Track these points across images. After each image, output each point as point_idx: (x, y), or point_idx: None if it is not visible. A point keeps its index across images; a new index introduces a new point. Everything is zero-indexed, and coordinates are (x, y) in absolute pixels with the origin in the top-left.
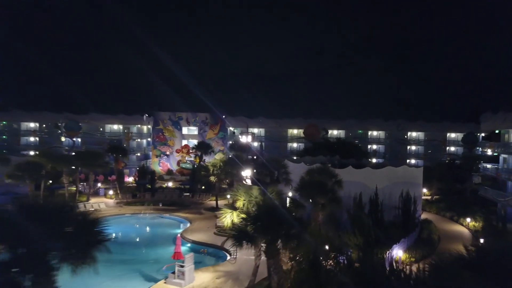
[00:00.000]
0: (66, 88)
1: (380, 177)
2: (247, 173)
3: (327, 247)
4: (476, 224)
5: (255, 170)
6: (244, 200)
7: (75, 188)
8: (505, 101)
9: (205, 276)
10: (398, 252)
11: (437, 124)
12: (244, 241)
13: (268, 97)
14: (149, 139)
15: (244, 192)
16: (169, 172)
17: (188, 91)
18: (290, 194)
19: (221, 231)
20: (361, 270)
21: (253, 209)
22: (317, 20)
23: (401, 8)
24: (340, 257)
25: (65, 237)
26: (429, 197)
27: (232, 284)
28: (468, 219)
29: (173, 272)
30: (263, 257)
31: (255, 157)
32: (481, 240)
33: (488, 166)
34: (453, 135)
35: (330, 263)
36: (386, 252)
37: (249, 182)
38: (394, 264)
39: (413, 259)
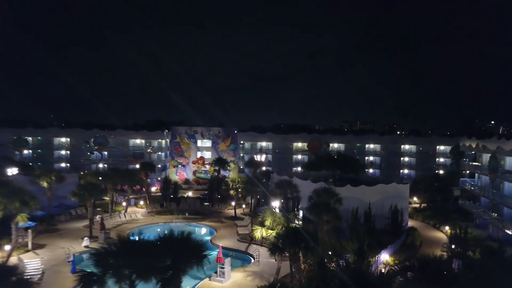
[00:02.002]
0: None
1: (374, 193)
2: (276, 204)
3: (330, 252)
4: (453, 232)
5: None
6: (270, 220)
7: (109, 198)
8: (497, 106)
9: (238, 275)
10: (385, 256)
11: (427, 139)
12: (276, 252)
13: (269, 99)
14: (167, 152)
15: (270, 214)
16: (186, 181)
17: (201, 102)
18: (299, 205)
19: (243, 238)
20: (355, 270)
21: (278, 226)
22: (309, 28)
23: (396, 13)
24: (340, 260)
25: (188, 252)
26: (417, 205)
27: (259, 281)
28: (447, 227)
29: (216, 272)
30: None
31: (265, 168)
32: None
33: (467, 180)
34: (442, 147)
35: (333, 265)
36: (376, 256)
37: (277, 209)
38: (381, 266)
39: (397, 261)
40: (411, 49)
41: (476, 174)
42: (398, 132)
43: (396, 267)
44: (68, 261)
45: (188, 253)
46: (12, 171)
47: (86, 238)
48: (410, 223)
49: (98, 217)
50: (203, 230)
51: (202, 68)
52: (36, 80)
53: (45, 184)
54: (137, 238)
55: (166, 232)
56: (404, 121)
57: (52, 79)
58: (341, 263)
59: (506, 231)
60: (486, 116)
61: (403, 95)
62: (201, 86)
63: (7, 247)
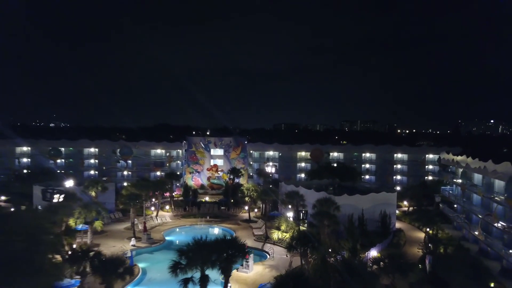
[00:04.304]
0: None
1: (366, 200)
2: (290, 214)
3: (330, 250)
4: (429, 232)
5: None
6: (284, 225)
7: (144, 204)
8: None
9: (258, 267)
10: (374, 253)
11: (418, 148)
12: (291, 249)
13: (269, 98)
14: (184, 160)
15: (284, 220)
16: (202, 186)
17: (202, 102)
18: (303, 210)
19: (258, 238)
20: (349, 264)
21: (290, 231)
22: (310, 26)
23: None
24: (338, 256)
25: (236, 249)
26: (406, 209)
27: (275, 272)
28: (428, 229)
29: (242, 265)
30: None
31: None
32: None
33: (447, 189)
34: (431, 156)
35: (332, 260)
36: (366, 253)
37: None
38: (369, 261)
39: (382, 257)
40: (412, 48)
41: (454, 185)
42: (399, 131)
43: (372, 259)
44: (126, 257)
45: (236, 250)
46: (69, 183)
47: (133, 238)
48: (398, 225)
49: (135, 220)
50: (224, 232)
51: (202, 69)
52: (39, 80)
53: (93, 193)
54: (203, 239)
55: (221, 235)
56: (404, 120)
57: (52, 79)
58: (338, 258)
59: (471, 232)
60: (486, 115)
61: (404, 94)
62: (202, 86)
63: (74, 246)
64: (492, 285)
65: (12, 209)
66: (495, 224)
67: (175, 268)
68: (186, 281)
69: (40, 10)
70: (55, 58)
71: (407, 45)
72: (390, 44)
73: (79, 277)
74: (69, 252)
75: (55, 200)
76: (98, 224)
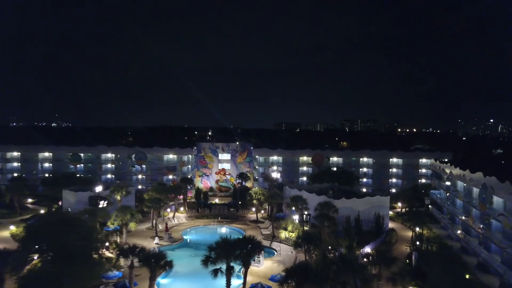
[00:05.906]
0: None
1: (362, 203)
2: (296, 216)
3: (330, 247)
4: (417, 231)
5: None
6: (291, 226)
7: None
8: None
9: (267, 262)
10: (368, 249)
11: (412, 153)
12: (297, 247)
13: (270, 96)
14: (193, 164)
15: (291, 222)
16: (210, 189)
17: (204, 102)
18: (306, 212)
19: (266, 237)
20: (346, 259)
21: (296, 231)
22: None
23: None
24: (336, 252)
25: (253, 245)
26: (399, 210)
27: (283, 266)
28: (418, 228)
29: (254, 260)
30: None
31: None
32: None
33: (435, 192)
34: (424, 160)
35: (331, 255)
36: (361, 250)
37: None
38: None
39: (375, 253)
40: (412, 47)
41: (441, 189)
42: (399, 130)
43: (362, 253)
44: None
45: (254, 246)
46: (98, 188)
47: (156, 237)
48: (391, 225)
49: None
50: (236, 231)
51: (202, 69)
52: (38, 81)
53: (118, 197)
54: (228, 237)
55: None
56: (404, 119)
57: (52, 80)
58: (337, 254)
59: (454, 232)
60: (486, 115)
61: (405, 93)
62: (202, 86)
63: (107, 244)
64: (467, 277)
65: (42, 211)
66: (472, 225)
67: (206, 260)
68: (215, 271)
69: (44, 12)
70: (54, 57)
71: (406, 44)
72: (390, 43)
73: (119, 269)
74: (116, 249)
75: (100, 206)
76: (132, 225)
